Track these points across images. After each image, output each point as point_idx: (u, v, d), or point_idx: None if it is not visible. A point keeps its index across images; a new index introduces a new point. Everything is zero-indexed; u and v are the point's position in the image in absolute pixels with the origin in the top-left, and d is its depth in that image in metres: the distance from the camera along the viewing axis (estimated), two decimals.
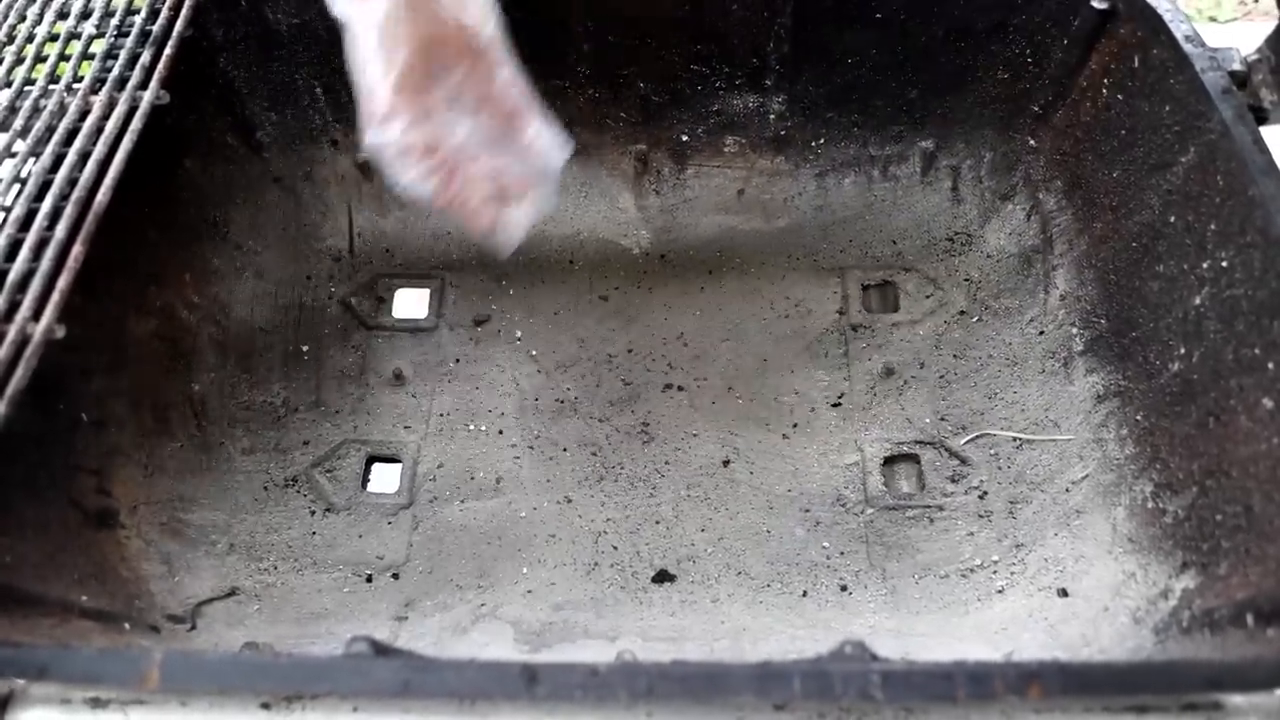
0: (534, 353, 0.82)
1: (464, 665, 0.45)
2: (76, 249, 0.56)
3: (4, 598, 0.52)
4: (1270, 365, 0.54)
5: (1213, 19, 1.69)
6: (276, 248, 0.83)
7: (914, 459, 0.74)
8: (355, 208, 0.86)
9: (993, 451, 0.73)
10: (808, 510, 0.73)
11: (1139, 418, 0.66)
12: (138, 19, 0.68)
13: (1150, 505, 0.63)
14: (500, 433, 0.78)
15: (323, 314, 0.83)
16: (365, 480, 0.76)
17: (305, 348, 0.81)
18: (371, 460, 0.77)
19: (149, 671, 0.45)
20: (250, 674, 0.45)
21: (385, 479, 0.76)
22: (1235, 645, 0.50)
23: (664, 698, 0.43)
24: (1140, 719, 0.53)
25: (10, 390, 0.51)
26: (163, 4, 0.68)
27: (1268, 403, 0.53)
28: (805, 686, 0.43)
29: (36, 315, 0.54)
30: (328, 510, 0.74)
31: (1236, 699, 0.53)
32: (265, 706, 0.56)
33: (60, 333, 0.54)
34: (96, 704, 0.57)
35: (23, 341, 0.53)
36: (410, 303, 0.84)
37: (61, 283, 0.54)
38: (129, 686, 0.45)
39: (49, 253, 0.56)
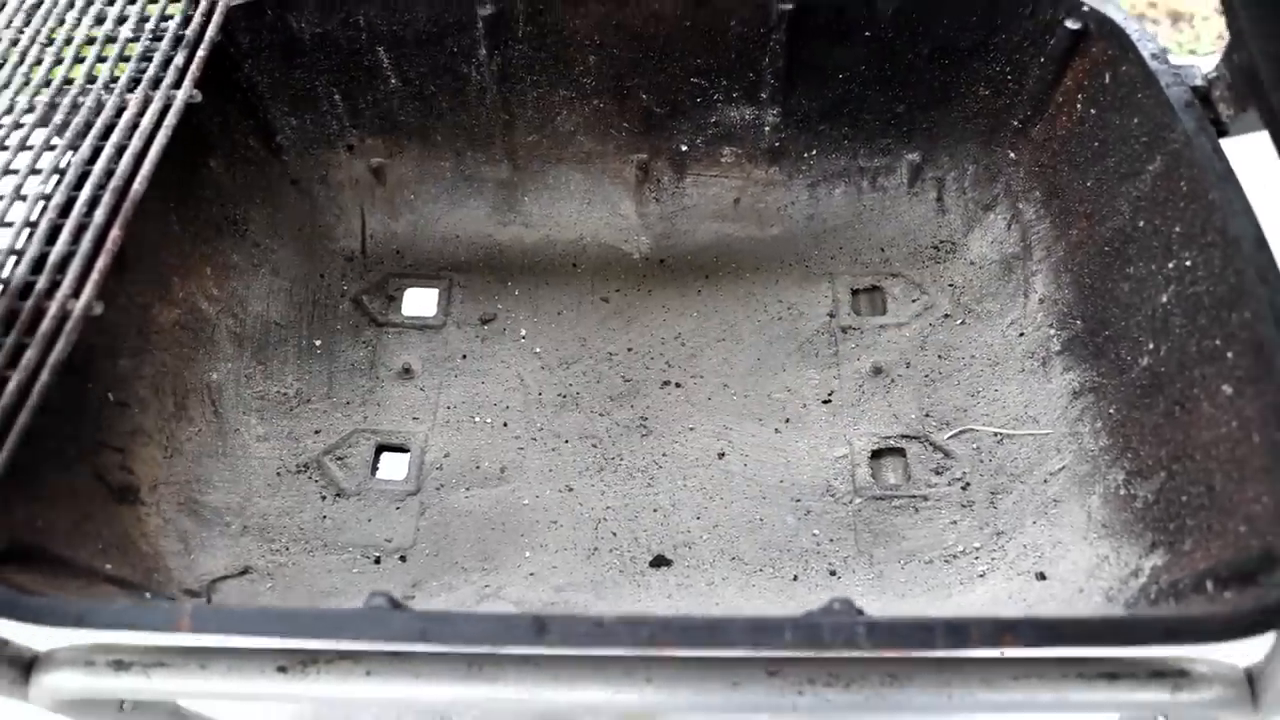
0: (538, 350, 0.85)
1: (478, 616, 0.48)
2: (114, 233, 0.59)
3: (38, 558, 0.55)
4: (1230, 354, 0.58)
5: (1192, 51, 1.76)
6: (292, 246, 0.87)
7: (900, 452, 0.78)
8: (368, 210, 0.89)
9: (975, 446, 0.77)
10: (799, 500, 0.76)
11: (1112, 411, 0.70)
12: (171, 24, 0.72)
13: (1122, 492, 0.66)
14: (505, 425, 0.81)
15: (335, 310, 0.86)
16: (374, 468, 0.79)
17: (318, 342, 0.84)
18: (381, 449, 0.80)
19: (181, 620, 0.48)
20: (275, 623, 0.48)
21: (394, 467, 0.80)
22: (1196, 609, 0.53)
23: (665, 645, 0.46)
24: (1112, 684, 0.56)
25: (52, 360, 0.54)
26: (195, 10, 0.72)
27: (1227, 389, 0.57)
28: (796, 635, 0.46)
29: (76, 293, 0.57)
30: (338, 495, 0.77)
31: (1201, 668, 0.56)
32: (281, 670, 0.59)
33: (99, 309, 0.57)
34: (119, 666, 0.59)
35: (63, 317, 0.56)
36: (419, 301, 0.88)
37: (100, 263, 0.58)
38: (164, 631, 0.48)
39: (88, 236, 0.59)
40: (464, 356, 0.85)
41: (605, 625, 0.47)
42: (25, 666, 0.59)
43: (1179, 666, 0.56)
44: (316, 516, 0.76)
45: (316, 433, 0.80)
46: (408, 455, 0.79)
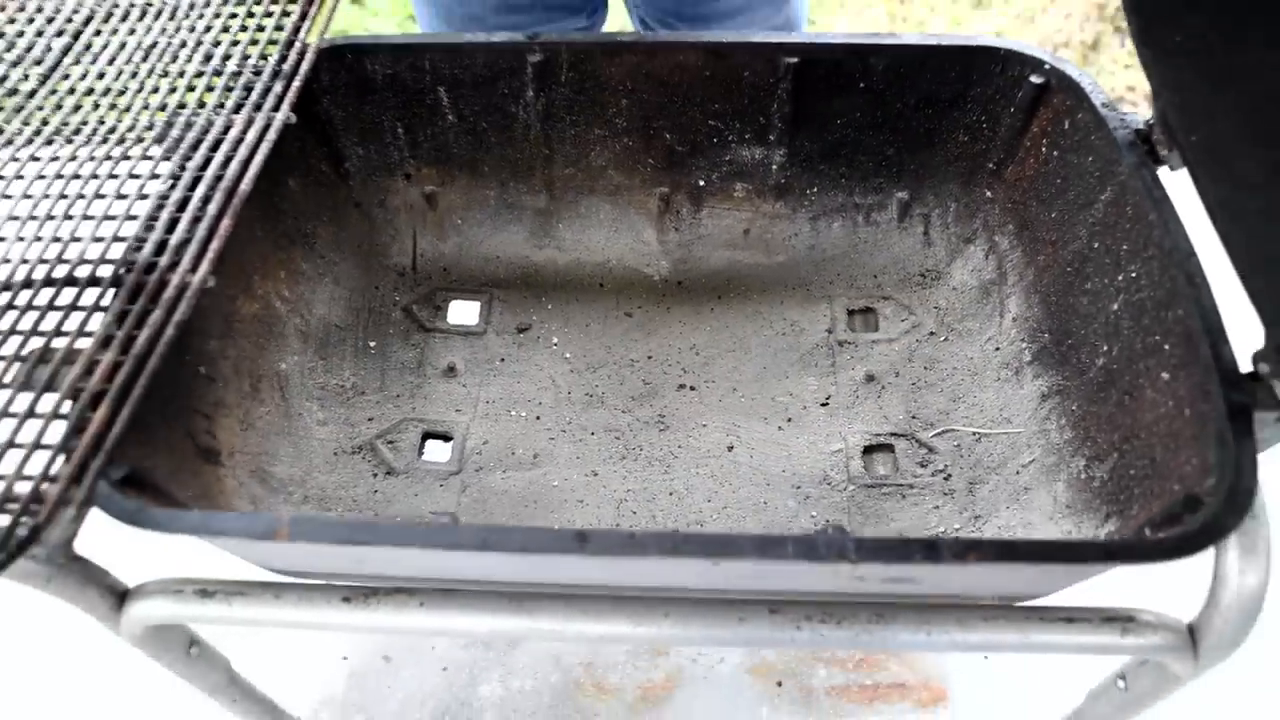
0: (568, 356, 0.96)
1: (529, 529, 0.57)
2: (225, 222, 0.70)
3: (147, 485, 0.64)
4: (1166, 346, 0.68)
5: None
6: (352, 260, 0.98)
7: (889, 448, 0.87)
8: (420, 232, 1.01)
9: (956, 443, 0.87)
10: (798, 487, 0.85)
11: (1074, 408, 0.79)
12: (269, 61, 0.84)
13: (1083, 476, 0.76)
14: (538, 418, 0.91)
15: (388, 317, 0.97)
16: (421, 451, 0.89)
17: (372, 343, 0.95)
18: (427, 436, 0.90)
19: (281, 529, 0.57)
20: (359, 531, 0.57)
21: (438, 451, 0.89)
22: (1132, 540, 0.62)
23: (687, 555, 0.55)
24: (1069, 627, 0.65)
25: (176, 318, 0.64)
26: (289, 51, 0.85)
27: (1165, 375, 0.67)
28: (796, 549, 0.55)
29: (194, 269, 0.68)
30: (389, 474, 0.86)
31: (1147, 617, 0.65)
32: (346, 600, 0.68)
33: (212, 282, 0.68)
34: (204, 594, 0.68)
35: (183, 287, 0.67)
36: (463, 311, 0.99)
37: (214, 245, 0.69)
38: (267, 539, 0.57)
39: (203, 225, 0.70)
40: (502, 359, 0.95)
41: (637, 537, 0.56)
42: (119, 597, 0.68)
43: (1128, 614, 0.65)
44: (369, 491, 0.85)
45: (370, 420, 0.90)
46: (451, 442, 0.89)
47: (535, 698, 1.04)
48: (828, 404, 0.91)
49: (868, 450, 0.87)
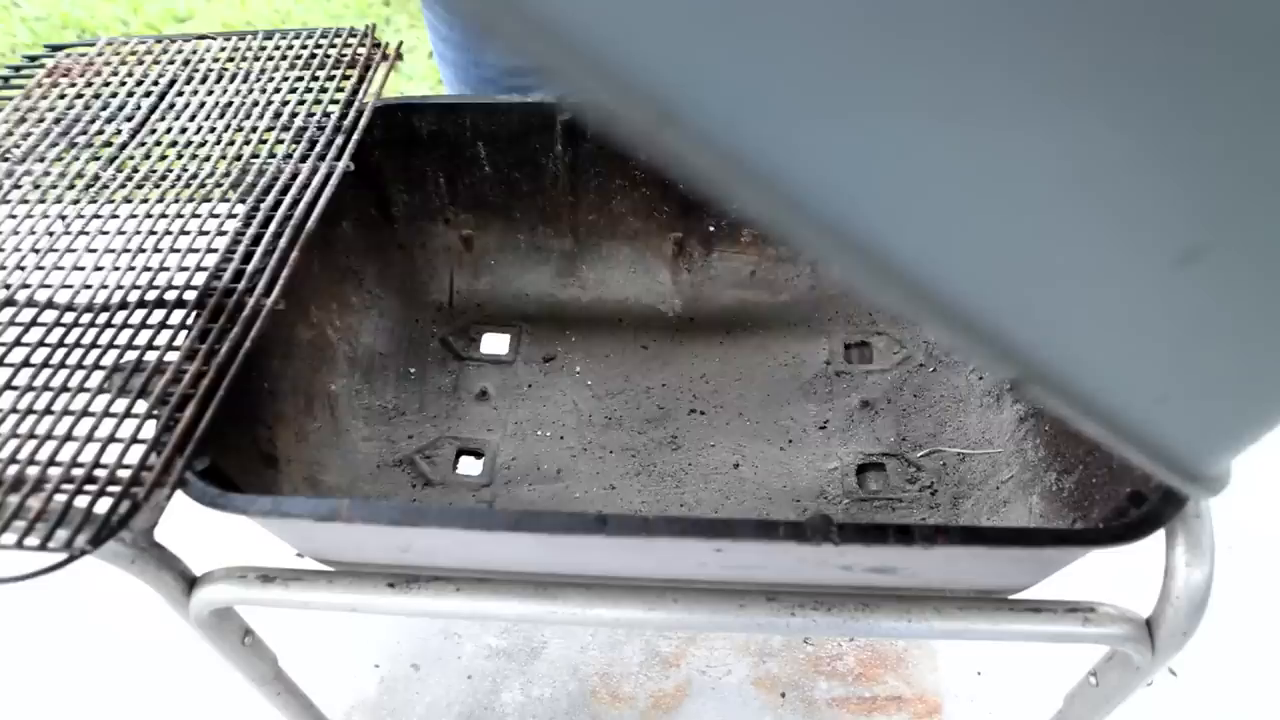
0: (589, 383, 1.05)
1: (556, 513, 0.66)
2: (294, 254, 0.81)
3: (223, 479, 0.73)
4: None
5: None
6: (395, 296, 1.08)
7: (881, 466, 0.96)
8: (456, 272, 1.11)
9: (942, 462, 0.95)
10: (797, 500, 0.93)
11: (1047, 428, 0.88)
12: (332, 118, 0.96)
13: (1054, 488, 0.84)
14: (561, 438, 1.00)
15: (426, 347, 1.07)
16: (455, 466, 0.97)
17: (413, 370, 1.05)
18: (461, 452, 0.99)
19: (342, 511, 0.66)
20: (409, 514, 0.66)
21: (471, 466, 0.98)
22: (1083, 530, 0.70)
23: (694, 535, 0.64)
24: (1036, 616, 0.73)
25: (253, 334, 0.74)
26: (349, 109, 0.97)
27: None
28: (786, 531, 0.63)
29: (266, 293, 0.78)
30: (426, 485, 0.95)
31: (1108, 609, 0.73)
32: (390, 585, 0.77)
33: (282, 305, 0.78)
34: (266, 579, 0.77)
35: (258, 309, 0.77)
36: (495, 343, 1.08)
37: (284, 274, 0.79)
38: (330, 520, 0.66)
39: (274, 256, 0.81)
40: (529, 385, 1.04)
41: (650, 521, 0.64)
42: (189, 583, 0.77)
43: (1089, 605, 0.73)
44: (408, 499, 0.94)
45: (409, 437, 0.99)
46: (483, 458, 0.98)
47: (554, 704, 1.11)
48: (825, 427, 0.99)
49: (861, 468, 0.96)
